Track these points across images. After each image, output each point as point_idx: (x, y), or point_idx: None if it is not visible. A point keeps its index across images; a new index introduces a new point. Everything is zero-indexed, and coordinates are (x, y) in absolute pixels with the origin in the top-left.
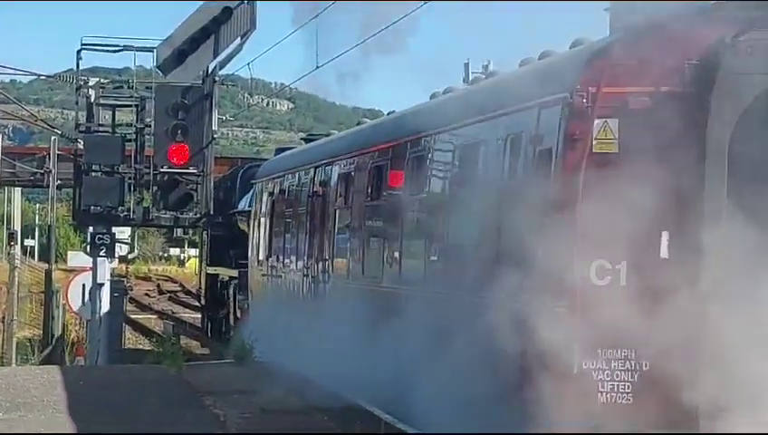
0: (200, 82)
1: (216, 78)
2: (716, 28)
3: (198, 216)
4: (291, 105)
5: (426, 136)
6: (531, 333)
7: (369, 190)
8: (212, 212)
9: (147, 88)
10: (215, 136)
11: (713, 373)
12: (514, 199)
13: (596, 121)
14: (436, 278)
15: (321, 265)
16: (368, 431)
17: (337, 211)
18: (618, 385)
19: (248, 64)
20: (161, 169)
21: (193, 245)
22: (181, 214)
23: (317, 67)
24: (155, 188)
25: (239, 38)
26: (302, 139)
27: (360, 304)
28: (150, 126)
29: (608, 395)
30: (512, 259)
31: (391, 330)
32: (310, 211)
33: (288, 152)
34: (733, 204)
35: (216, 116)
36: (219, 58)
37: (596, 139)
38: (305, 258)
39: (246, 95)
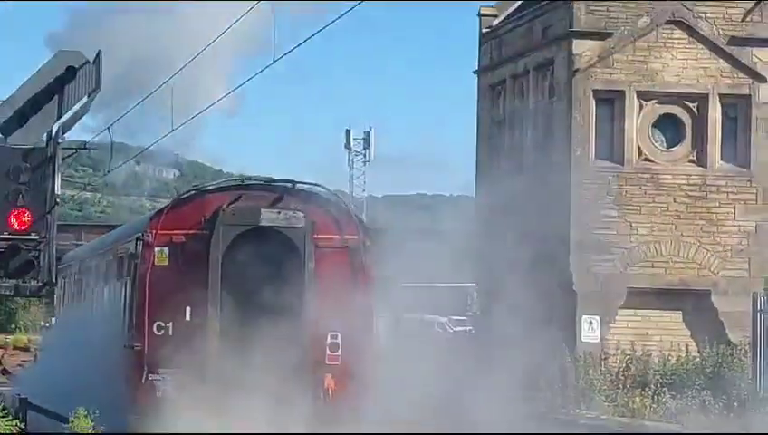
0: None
1: (60, 140)
2: (218, 199)
3: (41, 284)
4: (177, 173)
5: (88, 257)
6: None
7: (89, 285)
8: (54, 280)
9: None
10: (57, 201)
11: None
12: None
13: (156, 248)
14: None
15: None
16: None
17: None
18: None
19: (108, 128)
20: (1, 236)
21: None
22: (23, 282)
23: (173, 130)
24: None
25: (85, 97)
26: None
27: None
28: None
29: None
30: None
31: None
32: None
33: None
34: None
35: (59, 180)
36: (63, 119)
37: (156, 257)
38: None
39: (133, 162)
